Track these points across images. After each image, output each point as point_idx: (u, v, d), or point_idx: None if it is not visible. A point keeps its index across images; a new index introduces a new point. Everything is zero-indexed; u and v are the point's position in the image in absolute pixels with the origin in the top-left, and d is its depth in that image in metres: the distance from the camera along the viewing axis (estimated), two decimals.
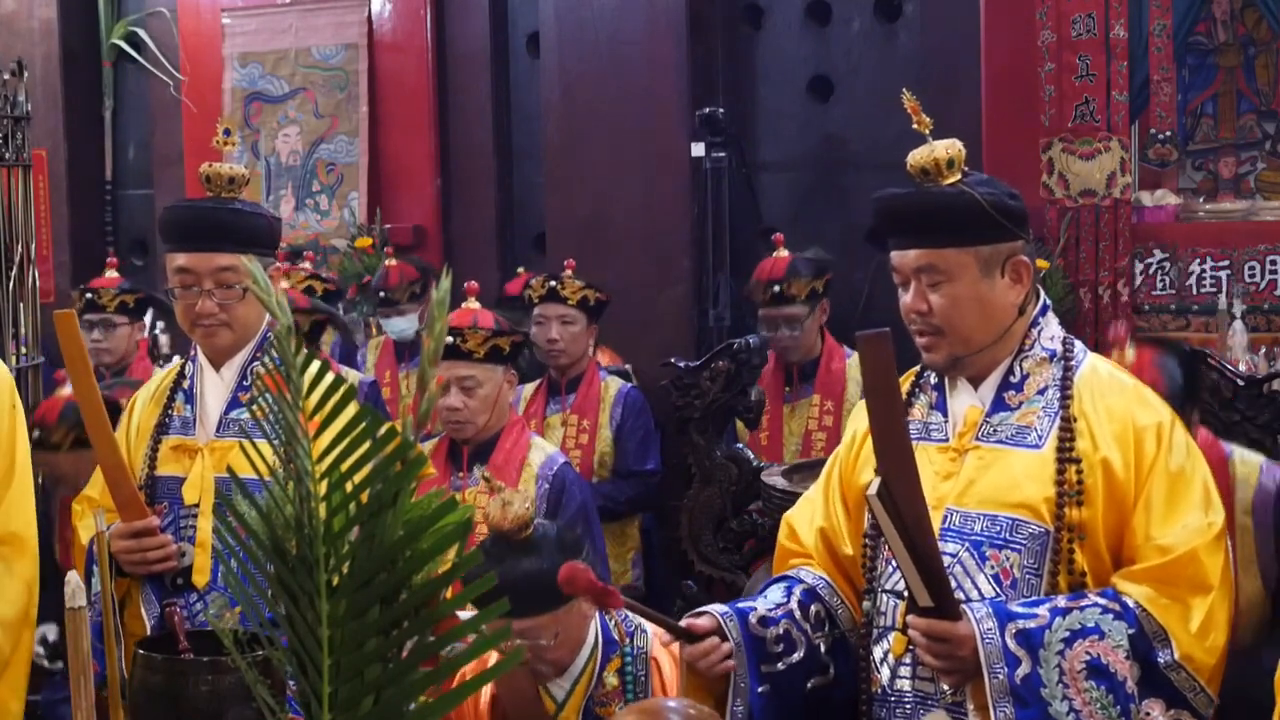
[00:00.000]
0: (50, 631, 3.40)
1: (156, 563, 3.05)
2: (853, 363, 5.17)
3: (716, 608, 2.54)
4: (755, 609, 2.55)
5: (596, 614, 2.86)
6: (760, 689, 2.50)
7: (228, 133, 3.38)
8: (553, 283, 5.17)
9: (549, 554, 2.74)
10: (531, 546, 2.75)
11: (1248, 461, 3.00)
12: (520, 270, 6.30)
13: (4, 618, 2.77)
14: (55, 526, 3.84)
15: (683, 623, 2.52)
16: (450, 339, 3.79)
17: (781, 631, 2.53)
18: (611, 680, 2.85)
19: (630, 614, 2.95)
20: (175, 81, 7.27)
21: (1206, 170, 5.31)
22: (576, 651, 2.83)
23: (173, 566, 3.07)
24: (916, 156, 2.51)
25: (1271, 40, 5.22)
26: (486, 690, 2.90)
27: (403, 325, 5.90)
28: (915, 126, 2.54)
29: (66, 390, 3.86)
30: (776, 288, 5.08)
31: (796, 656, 2.54)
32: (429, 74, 6.79)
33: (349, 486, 1.38)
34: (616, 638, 2.89)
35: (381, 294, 5.95)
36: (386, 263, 6.03)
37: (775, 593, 2.62)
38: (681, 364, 4.77)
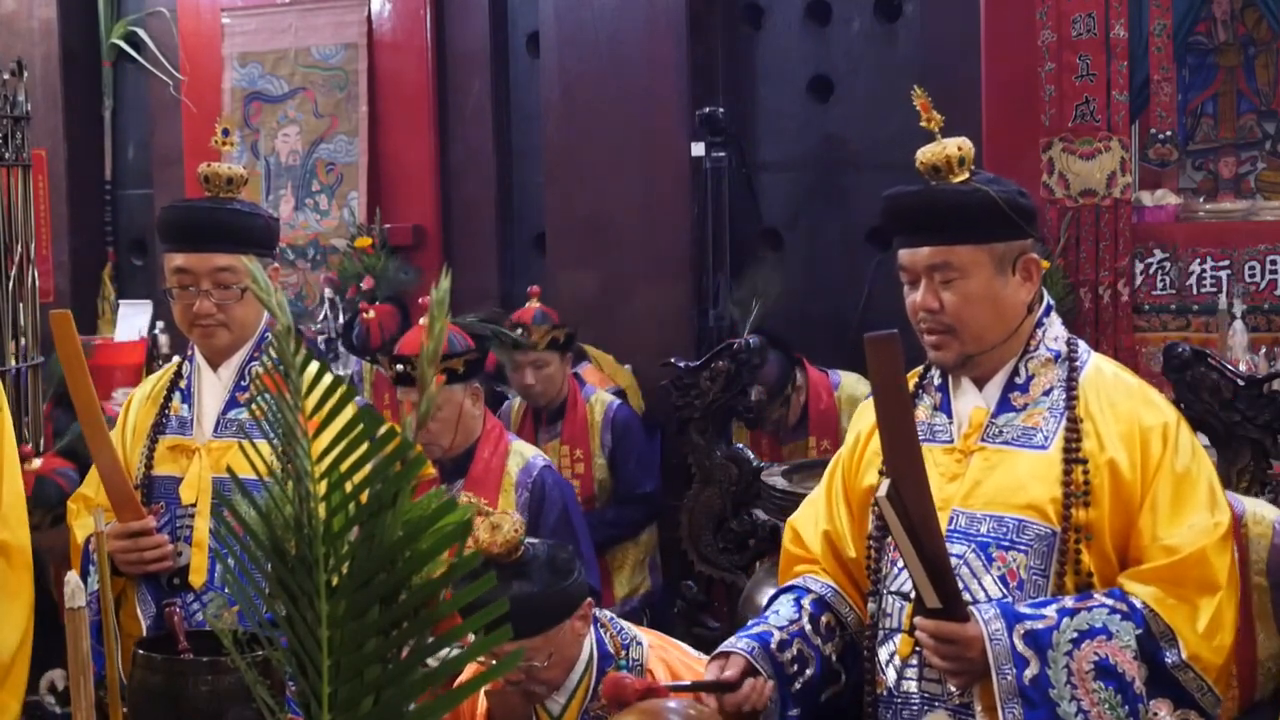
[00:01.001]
0: (59, 679, 3.36)
1: (152, 563, 3.05)
2: (841, 395, 5.21)
3: (741, 645, 2.51)
4: (773, 634, 2.53)
5: (591, 629, 2.85)
6: (792, 713, 2.51)
7: (226, 133, 3.37)
8: (518, 331, 5.12)
9: (540, 576, 2.72)
10: (522, 569, 2.72)
11: (1261, 520, 2.88)
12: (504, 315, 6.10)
13: (4, 639, 2.76)
14: (51, 575, 3.81)
15: (711, 671, 2.50)
16: (400, 366, 3.78)
17: (795, 652, 2.53)
18: None
19: (623, 624, 2.95)
20: (175, 81, 7.26)
21: (1207, 170, 5.30)
22: (571, 669, 2.81)
23: (169, 567, 3.06)
24: (927, 153, 2.50)
25: (1272, 40, 5.21)
26: (482, 702, 2.90)
27: None
28: (924, 124, 2.53)
29: (36, 464, 3.77)
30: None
31: (810, 673, 2.55)
32: (429, 74, 6.79)
33: (348, 486, 1.38)
34: (612, 650, 2.87)
35: (368, 357, 5.88)
36: (364, 316, 5.88)
37: (786, 607, 2.60)
38: (681, 364, 4.77)
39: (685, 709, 2.44)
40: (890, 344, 2.23)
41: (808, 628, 2.56)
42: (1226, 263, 5.21)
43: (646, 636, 2.94)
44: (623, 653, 2.87)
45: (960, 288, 2.47)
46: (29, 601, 2.81)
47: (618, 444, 5.11)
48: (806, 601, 2.60)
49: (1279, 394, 3.61)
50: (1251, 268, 5.19)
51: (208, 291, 3.08)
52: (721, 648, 2.54)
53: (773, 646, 2.51)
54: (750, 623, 2.60)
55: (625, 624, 2.95)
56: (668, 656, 2.89)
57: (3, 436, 2.84)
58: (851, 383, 5.23)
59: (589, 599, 2.83)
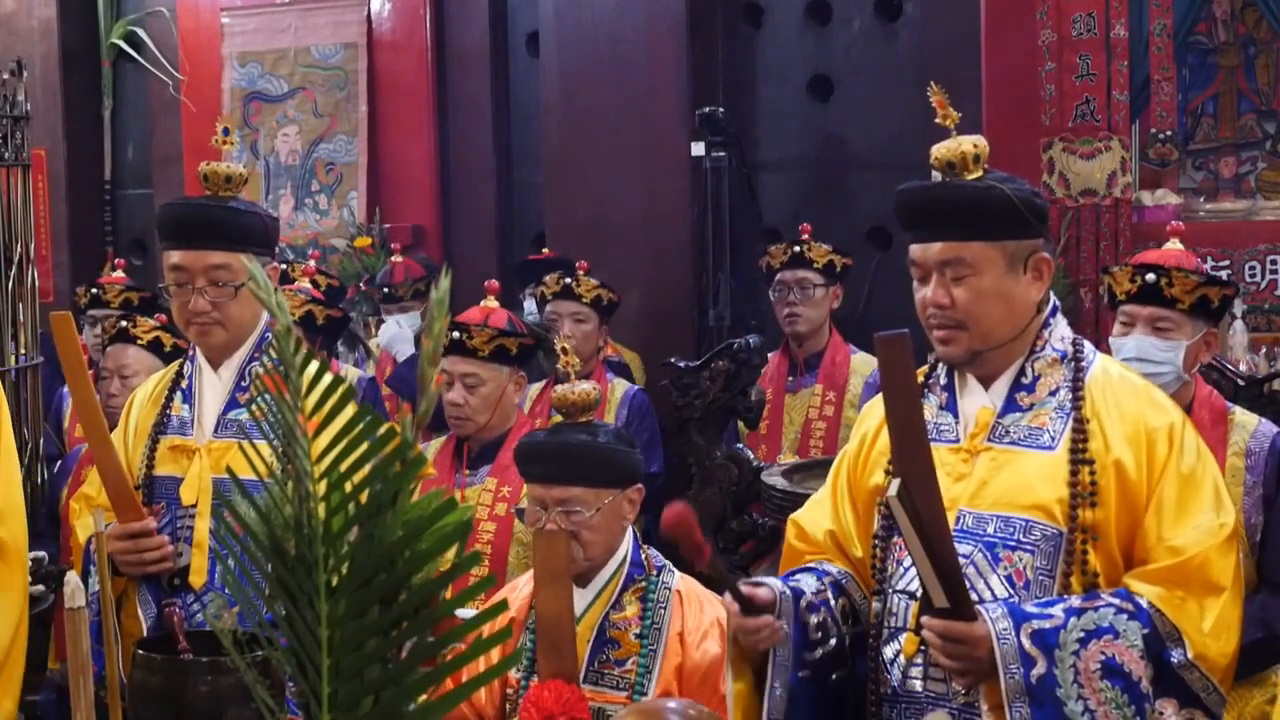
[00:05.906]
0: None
1: (153, 564, 3.04)
2: (857, 359, 5.14)
3: (775, 583, 2.50)
4: (804, 593, 2.52)
5: (631, 529, 2.93)
6: (801, 674, 2.49)
7: (226, 132, 3.37)
8: (567, 280, 5.16)
9: (605, 435, 2.93)
10: (589, 428, 2.93)
11: (1247, 413, 3.24)
12: (545, 249, 6.32)
13: None
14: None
15: (743, 588, 2.47)
16: (456, 334, 3.80)
17: (821, 619, 2.52)
18: (631, 606, 2.89)
19: (658, 553, 3.00)
20: (174, 81, 7.27)
21: (1207, 170, 5.30)
22: (611, 551, 2.90)
23: (169, 568, 3.06)
24: (942, 150, 2.50)
25: (1272, 40, 5.21)
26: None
27: (405, 322, 5.92)
28: (939, 120, 2.53)
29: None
30: (797, 248, 5.07)
31: (831, 645, 2.53)
32: (428, 74, 6.79)
33: (348, 487, 1.37)
34: (645, 566, 2.95)
35: (385, 289, 5.98)
36: (392, 259, 6.09)
37: (810, 580, 2.57)
38: (681, 364, 4.76)
39: (685, 709, 2.43)
40: (900, 343, 2.23)
41: (832, 603, 2.55)
42: (1226, 263, 5.21)
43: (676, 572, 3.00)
44: (654, 572, 2.95)
45: (971, 284, 2.46)
46: (22, 600, 2.81)
47: (631, 421, 5.13)
48: (828, 581, 2.58)
49: (1279, 394, 3.60)
50: (1251, 268, 5.19)
51: (202, 289, 3.07)
52: (758, 579, 2.52)
53: (802, 604, 2.50)
54: (782, 576, 2.59)
55: (659, 554, 3.02)
56: (694, 588, 2.96)
57: (2, 436, 2.83)
58: (864, 358, 5.18)
59: (641, 486, 2.93)
